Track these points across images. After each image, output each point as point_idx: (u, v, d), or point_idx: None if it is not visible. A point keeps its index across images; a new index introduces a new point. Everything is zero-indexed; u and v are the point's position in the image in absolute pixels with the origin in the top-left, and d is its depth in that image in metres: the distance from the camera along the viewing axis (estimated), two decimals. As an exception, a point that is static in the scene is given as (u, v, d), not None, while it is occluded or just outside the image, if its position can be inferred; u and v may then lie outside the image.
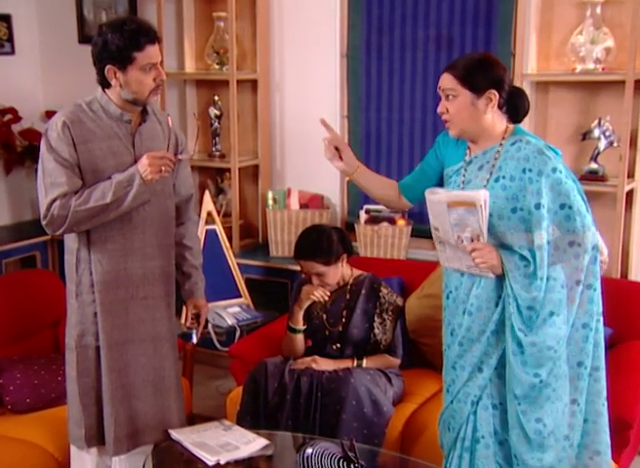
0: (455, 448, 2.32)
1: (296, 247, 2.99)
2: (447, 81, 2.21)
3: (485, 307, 2.23)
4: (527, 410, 2.17)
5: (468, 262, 2.19)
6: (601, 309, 2.22)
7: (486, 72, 2.18)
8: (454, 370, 2.32)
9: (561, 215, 2.13)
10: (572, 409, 2.20)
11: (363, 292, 3.01)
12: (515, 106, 2.25)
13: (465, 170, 2.29)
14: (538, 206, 2.11)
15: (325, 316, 3.03)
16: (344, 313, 3.00)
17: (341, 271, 2.98)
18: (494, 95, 2.18)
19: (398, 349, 3.04)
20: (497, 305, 2.21)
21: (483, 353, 2.24)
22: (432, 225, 2.25)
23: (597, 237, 2.18)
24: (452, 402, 2.32)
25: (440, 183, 2.42)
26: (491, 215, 2.15)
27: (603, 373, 2.24)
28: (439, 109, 2.25)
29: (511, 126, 2.27)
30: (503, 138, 2.23)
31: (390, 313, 2.99)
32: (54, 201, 2.37)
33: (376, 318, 2.97)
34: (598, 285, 2.19)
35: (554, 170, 2.12)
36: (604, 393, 2.24)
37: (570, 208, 2.12)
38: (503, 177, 2.18)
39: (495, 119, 2.22)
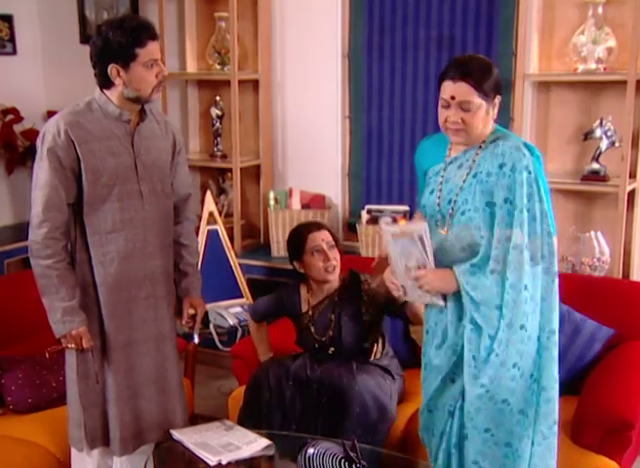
0: (441, 443, 2.33)
1: (302, 224, 3.08)
2: (464, 92, 2.11)
3: (451, 333, 2.25)
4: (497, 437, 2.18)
5: (421, 293, 2.23)
6: (555, 326, 2.19)
7: (492, 77, 2.15)
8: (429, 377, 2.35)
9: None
10: (518, 419, 2.19)
11: (346, 295, 2.94)
12: None
13: (445, 170, 2.28)
14: (506, 200, 2.11)
15: (313, 328, 2.96)
16: (332, 318, 2.94)
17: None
18: (499, 100, 2.18)
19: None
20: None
21: (454, 364, 2.25)
22: (387, 255, 2.31)
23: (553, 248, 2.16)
24: (430, 410, 2.34)
25: None
26: (469, 210, 2.17)
27: (555, 394, 2.20)
28: (454, 119, 2.14)
29: (494, 124, 2.25)
30: (486, 137, 2.21)
31: (377, 305, 2.91)
32: (43, 237, 2.39)
33: (365, 318, 2.92)
34: (548, 296, 2.17)
35: (526, 168, 2.11)
36: (554, 416, 2.21)
37: (528, 211, 2.11)
38: (481, 173, 2.17)
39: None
